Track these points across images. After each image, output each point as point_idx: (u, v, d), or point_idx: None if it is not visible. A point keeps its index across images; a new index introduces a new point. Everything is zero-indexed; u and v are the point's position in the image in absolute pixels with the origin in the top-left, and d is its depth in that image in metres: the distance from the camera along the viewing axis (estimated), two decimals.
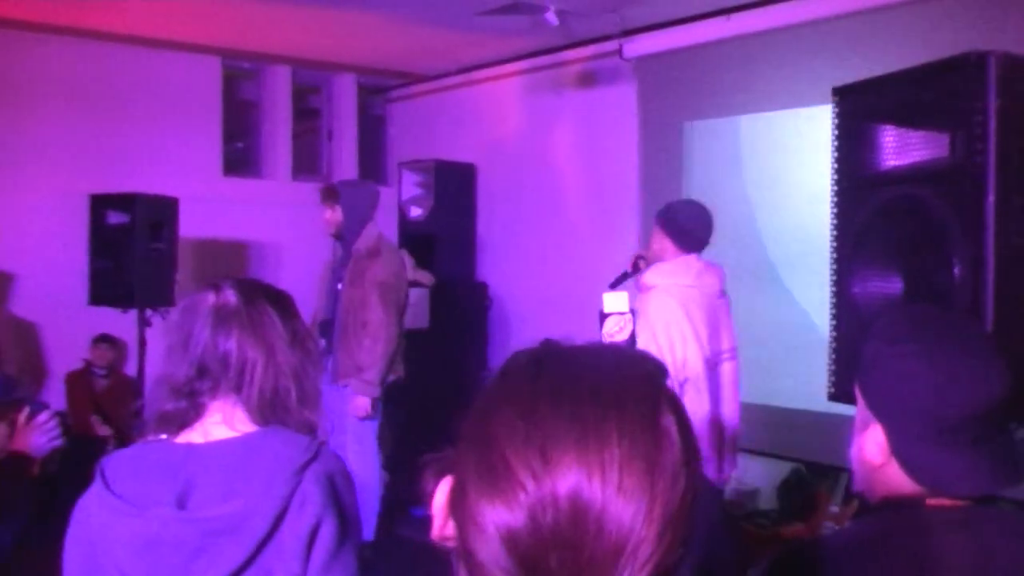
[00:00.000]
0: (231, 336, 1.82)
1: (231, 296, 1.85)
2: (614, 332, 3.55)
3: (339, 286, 5.62)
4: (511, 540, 0.81)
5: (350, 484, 1.83)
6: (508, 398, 0.88)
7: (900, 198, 2.57)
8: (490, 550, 0.82)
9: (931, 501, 1.44)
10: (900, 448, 1.45)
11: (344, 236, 5.61)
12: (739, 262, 6.13)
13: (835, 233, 2.74)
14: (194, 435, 1.82)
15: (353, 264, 5.54)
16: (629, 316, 3.61)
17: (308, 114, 9.20)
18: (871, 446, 1.48)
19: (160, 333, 6.48)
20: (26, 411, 3.05)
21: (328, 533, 1.73)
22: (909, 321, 1.53)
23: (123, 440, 6.74)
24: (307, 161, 9.11)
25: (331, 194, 5.64)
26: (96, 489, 1.76)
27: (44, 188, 7.43)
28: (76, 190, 7.04)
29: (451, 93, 8.68)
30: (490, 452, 0.84)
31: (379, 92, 9.41)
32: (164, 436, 1.83)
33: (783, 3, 5.87)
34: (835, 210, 2.75)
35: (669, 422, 0.86)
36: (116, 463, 1.81)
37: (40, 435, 3.04)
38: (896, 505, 1.47)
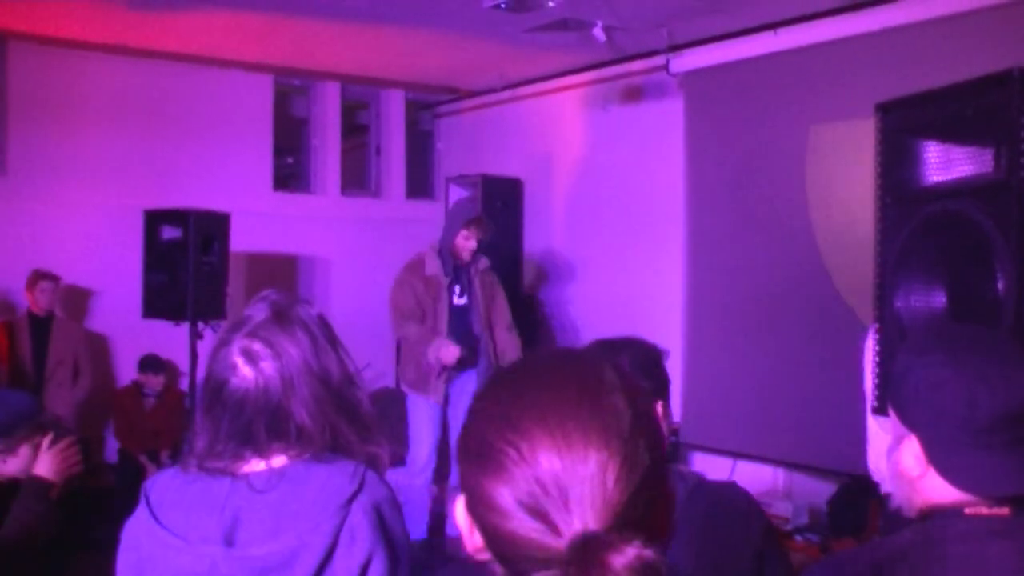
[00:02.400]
0: (276, 404, 1.75)
1: (269, 366, 1.76)
2: None
3: (461, 301, 6.04)
4: (523, 505, 0.94)
5: (398, 511, 1.79)
6: (489, 401, 1.03)
7: (944, 213, 2.56)
8: (513, 523, 0.94)
9: (970, 510, 1.45)
10: (937, 455, 1.46)
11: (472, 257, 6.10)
12: (795, 276, 6.13)
13: (878, 248, 2.73)
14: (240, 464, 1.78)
15: (481, 279, 6.11)
16: None
17: (357, 130, 9.30)
18: (908, 458, 1.49)
19: (211, 346, 6.60)
20: (50, 436, 3.12)
21: (379, 566, 1.70)
22: (936, 335, 1.55)
23: (174, 456, 6.86)
24: (356, 176, 9.21)
25: (486, 226, 6.09)
26: (143, 516, 1.74)
27: (100, 204, 7.59)
28: (131, 205, 7.18)
29: (498, 108, 8.74)
30: (484, 446, 0.98)
31: (427, 108, 9.50)
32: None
33: (830, 17, 5.87)
34: (879, 225, 2.74)
35: (610, 375, 1.01)
36: (161, 489, 1.78)
37: (62, 460, 3.11)
38: (936, 515, 1.47)
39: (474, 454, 0.99)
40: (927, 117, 2.67)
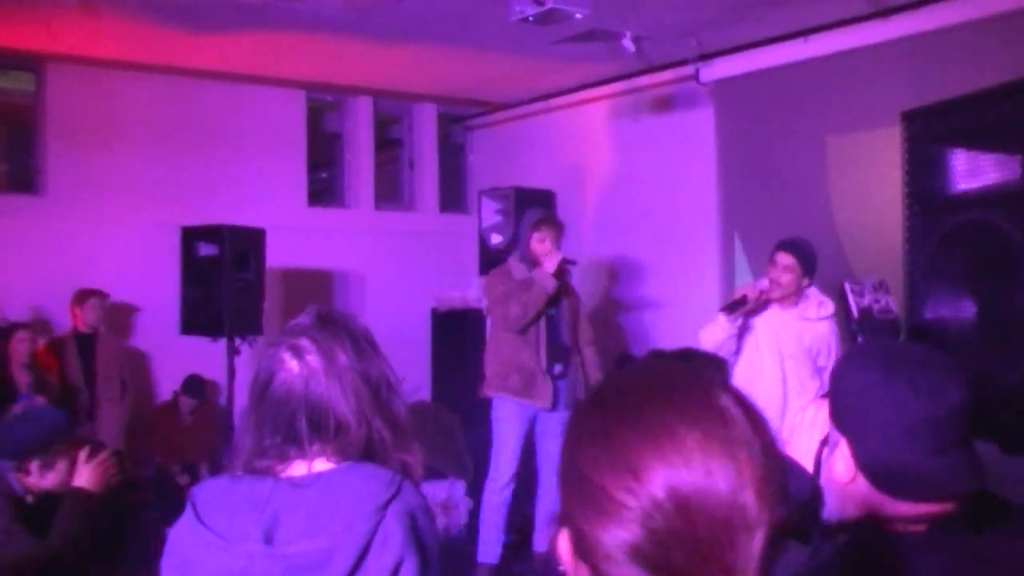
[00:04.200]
0: (318, 396, 1.81)
1: (314, 360, 1.83)
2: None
3: (552, 311, 5.79)
4: (636, 553, 0.88)
5: (431, 521, 1.83)
6: (583, 435, 0.96)
7: (972, 222, 2.55)
8: (623, 569, 0.89)
9: (895, 527, 1.44)
10: (864, 459, 1.45)
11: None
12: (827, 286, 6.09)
13: (906, 258, 2.72)
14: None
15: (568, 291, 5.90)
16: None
17: (390, 144, 9.36)
18: (839, 464, 1.49)
19: (249, 362, 6.66)
20: (87, 449, 3.20)
21: (410, 571, 1.73)
22: (870, 347, 1.57)
23: (212, 469, 6.91)
24: (389, 190, 9.26)
25: (559, 226, 5.92)
26: (188, 519, 1.80)
27: (138, 221, 7.68)
28: (168, 223, 7.26)
29: (530, 121, 8.76)
30: (588, 487, 0.92)
31: (459, 121, 9.54)
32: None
33: (860, 24, 5.84)
34: (906, 234, 2.73)
35: (727, 402, 0.93)
36: (206, 494, 1.84)
37: (101, 472, 3.18)
38: (856, 529, 1.48)
39: (586, 501, 0.92)
40: (953, 125, 2.67)
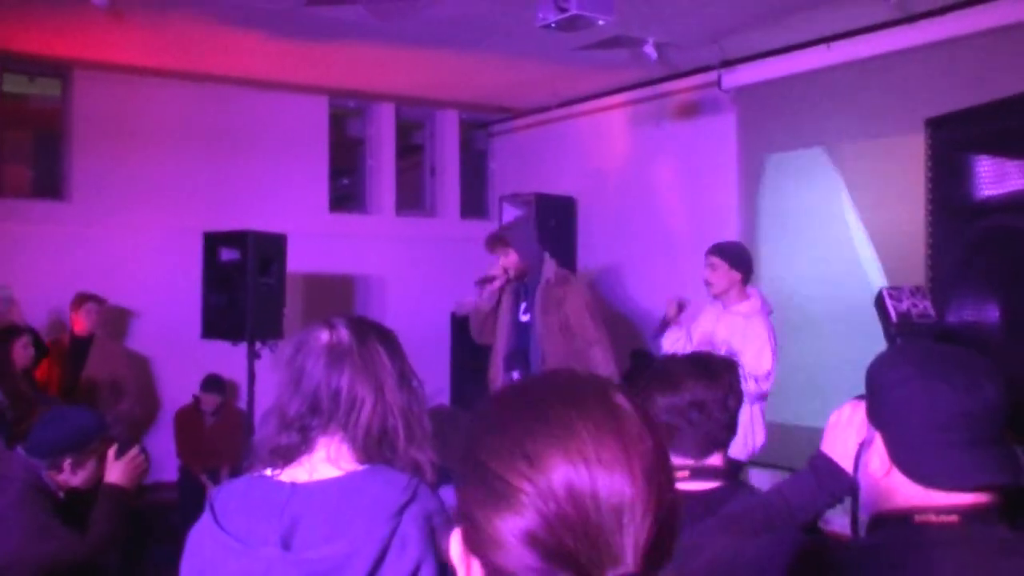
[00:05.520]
0: (343, 374, 1.86)
1: (345, 334, 1.90)
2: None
3: (523, 318, 5.74)
4: (531, 539, 0.89)
5: (449, 524, 1.84)
6: (482, 426, 1.00)
7: (997, 228, 2.54)
8: (515, 556, 0.90)
9: (920, 518, 1.44)
10: (898, 453, 1.47)
11: (526, 273, 5.70)
12: (846, 293, 6.07)
13: (929, 263, 2.71)
14: (300, 472, 1.85)
15: (544, 294, 5.65)
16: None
17: (412, 150, 9.39)
18: (874, 459, 1.51)
19: (269, 366, 6.68)
20: (115, 446, 3.26)
21: (428, 575, 1.76)
22: (907, 348, 1.58)
23: (233, 473, 6.93)
24: (411, 196, 9.28)
25: (500, 240, 5.73)
26: (207, 522, 1.82)
27: (160, 226, 7.73)
28: (190, 227, 7.28)
29: (551, 127, 8.77)
30: (484, 475, 0.94)
31: (481, 127, 9.56)
32: (269, 471, 1.87)
33: (883, 31, 5.82)
34: (929, 240, 2.73)
35: (621, 399, 0.97)
36: (225, 497, 1.86)
37: (133, 468, 3.25)
38: (888, 523, 1.48)
39: (482, 488, 0.94)
40: (978, 131, 2.66)
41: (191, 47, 6.95)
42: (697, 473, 2.29)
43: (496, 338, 5.82)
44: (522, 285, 5.77)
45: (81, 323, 6.97)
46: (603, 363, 5.71)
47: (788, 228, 6.50)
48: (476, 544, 0.95)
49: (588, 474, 0.90)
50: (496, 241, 5.74)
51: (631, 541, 0.88)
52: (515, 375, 5.65)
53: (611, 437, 0.92)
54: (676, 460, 2.32)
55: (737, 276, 5.28)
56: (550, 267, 5.76)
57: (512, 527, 0.90)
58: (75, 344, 6.97)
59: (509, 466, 0.93)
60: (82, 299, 6.96)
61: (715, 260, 5.33)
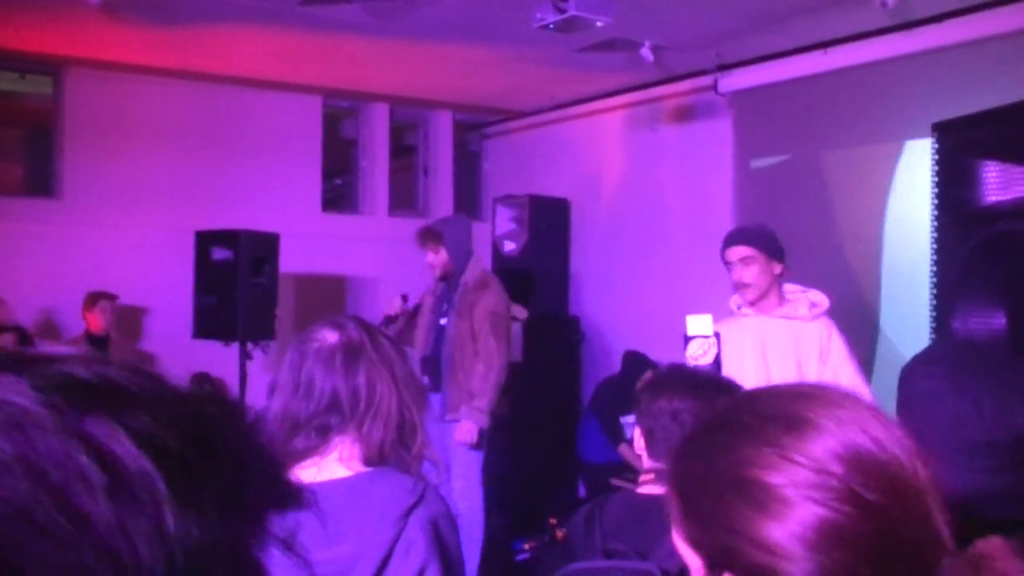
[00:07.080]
0: (359, 372, 1.85)
1: (356, 333, 1.89)
2: (698, 356, 3.48)
3: (442, 321, 5.61)
4: (820, 530, 0.85)
5: (454, 527, 1.83)
6: (721, 444, 0.94)
7: (1004, 234, 2.52)
8: (800, 562, 0.85)
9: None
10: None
11: (452, 274, 5.60)
12: (846, 297, 6.05)
13: (934, 269, 2.69)
14: (306, 472, 1.83)
15: (460, 297, 5.52)
16: (713, 340, 3.45)
17: (405, 151, 9.35)
18: None
19: (261, 367, 6.65)
20: None
21: None
22: (950, 346, 1.54)
23: None
24: (404, 197, 9.25)
25: (433, 236, 5.59)
26: None
27: (152, 225, 7.68)
28: (183, 227, 7.25)
29: (546, 129, 8.75)
30: (744, 487, 0.89)
31: (475, 128, 9.53)
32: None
33: (880, 36, 5.81)
34: (935, 246, 2.70)
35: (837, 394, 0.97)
36: None
37: None
38: None
39: (748, 500, 0.89)
40: (985, 137, 2.64)
41: (184, 46, 6.90)
42: (662, 476, 2.30)
43: (415, 340, 5.71)
44: (446, 287, 5.62)
45: (96, 321, 6.91)
46: (483, 378, 5.41)
47: (784, 233, 6.48)
48: (746, 570, 0.88)
49: (855, 442, 0.88)
50: (428, 236, 5.59)
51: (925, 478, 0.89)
52: (424, 380, 5.43)
53: (861, 413, 0.92)
54: (649, 463, 2.33)
55: (778, 268, 3.95)
56: (473, 271, 5.59)
57: (802, 517, 0.86)
58: (93, 344, 6.89)
59: (770, 466, 0.88)
60: (94, 298, 6.91)
61: (749, 251, 3.93)
